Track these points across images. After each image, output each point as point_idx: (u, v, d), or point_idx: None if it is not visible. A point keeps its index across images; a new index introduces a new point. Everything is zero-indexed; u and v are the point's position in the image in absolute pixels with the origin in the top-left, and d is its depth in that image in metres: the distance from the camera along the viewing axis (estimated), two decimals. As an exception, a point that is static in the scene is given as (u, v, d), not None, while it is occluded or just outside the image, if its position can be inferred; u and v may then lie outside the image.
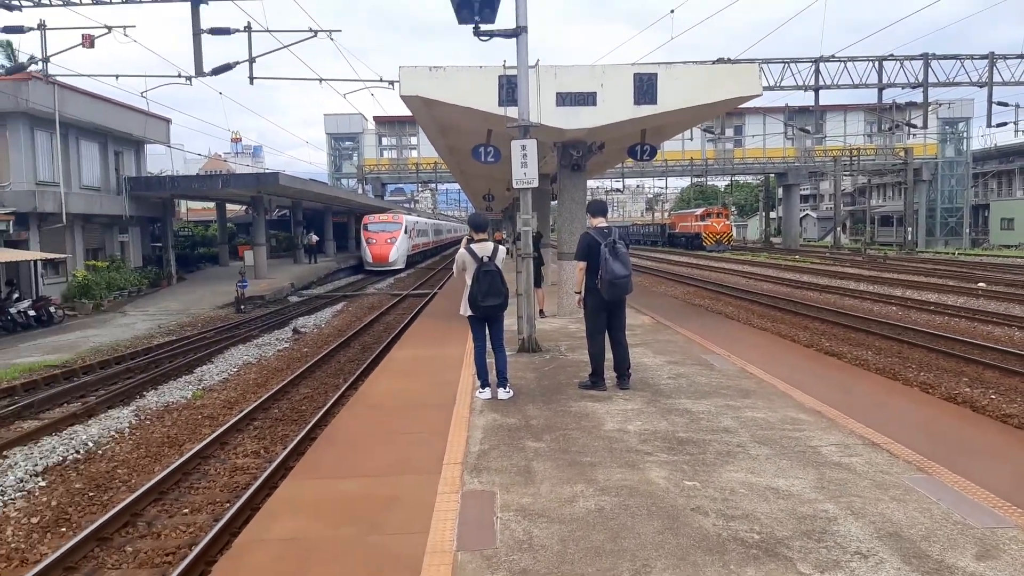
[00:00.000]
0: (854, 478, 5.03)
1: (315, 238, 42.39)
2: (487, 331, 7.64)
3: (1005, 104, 32.02)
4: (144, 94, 22.86)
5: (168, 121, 31.67)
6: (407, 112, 14.62)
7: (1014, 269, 30.32)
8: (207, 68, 19.24)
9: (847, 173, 61.45)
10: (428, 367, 9.75)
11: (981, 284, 24.14)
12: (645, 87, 12.50)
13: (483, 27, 9.66)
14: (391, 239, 39.53)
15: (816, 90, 31.79)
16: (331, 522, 4.62)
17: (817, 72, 31.68)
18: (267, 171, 40.51)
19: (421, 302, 23.23)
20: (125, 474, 8.26)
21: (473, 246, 7.45)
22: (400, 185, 78.47)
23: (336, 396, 10.96)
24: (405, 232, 41.02)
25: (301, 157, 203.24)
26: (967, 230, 59.48)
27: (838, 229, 60.36)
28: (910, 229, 53.14)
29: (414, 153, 63.70)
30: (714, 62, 26.42)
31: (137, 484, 7.80)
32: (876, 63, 31.76)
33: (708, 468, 5.28)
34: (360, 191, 59.87)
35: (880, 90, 32.12)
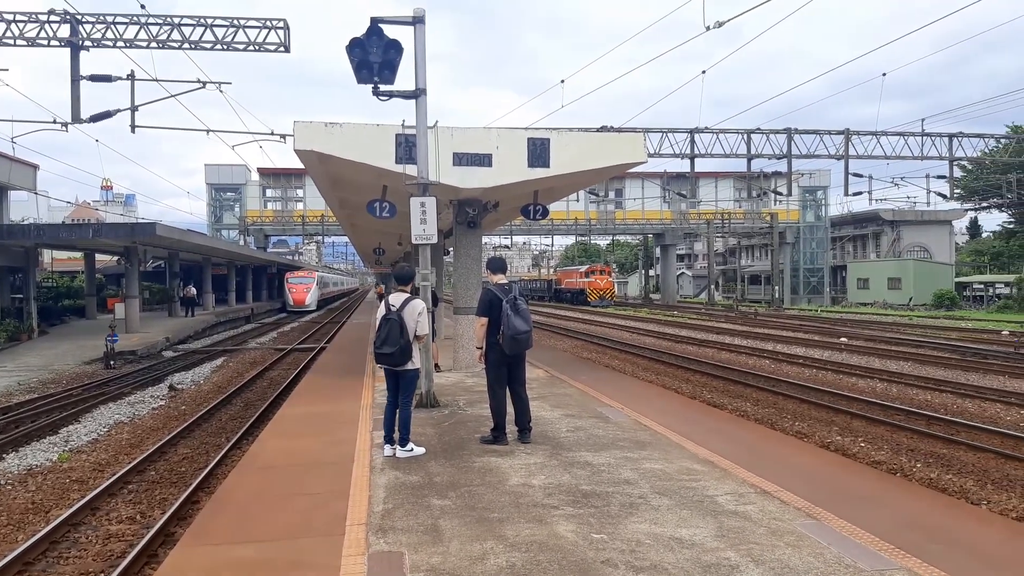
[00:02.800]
0: (751, 526, 5.24)
1: (193, 290, 40.67)
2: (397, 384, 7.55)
3: (859, 175, 35.10)
4: (14, 139, 21.51)
5: (35, 167, 29.84)
6: (294, 164, 14.51)
7: (871, 325, 32.79)
8: (85, 115, 18.39)
9: (719, 235, 65.08)
10: (321, 424, 9.45)
11: (843, 339, 25.94)
12: (539, 151, 12.93)
13: (382, 87, 9.76)
14: (307, 288, 51.84)
15: (692, 158, 33.79)
16: (230, 591, 4.37)
17: (692, 142, 33.71)
18: (143, 221, 38.74)
19: (307, 357, 22.58)
20: (-17, 546, 7.50)
21: (390, 296, 7.47)
22: (283, 237, 76.78)
23: (220, 456, 10.41)
24: (317, 284, 53.75)
25: (179, 206, 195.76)
26: (827, 289, 64.05)
27: (712, 287, 63.48)
28: (777, 287, 56.65)
29: (299, 205, 62.66)
30: (598, 129, 27.64)
31: (-2, 556, 7.10)
32: (745, 135, 34.12)
33: (614, 520, 5.37)
34: (242, 243, 58.09)
35: (749, 160, 34.48)
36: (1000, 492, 8.29)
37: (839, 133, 34.26)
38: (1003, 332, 28.53)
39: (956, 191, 36.31)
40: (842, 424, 11.98)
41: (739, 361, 20.49)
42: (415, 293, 7.84)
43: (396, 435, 7.46)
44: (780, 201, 54.68)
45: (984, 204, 48.98)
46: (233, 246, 51.06)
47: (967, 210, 64.86)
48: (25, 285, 29.84)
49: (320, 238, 75.07)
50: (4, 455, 11.03)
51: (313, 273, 57.15)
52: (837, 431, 11.51)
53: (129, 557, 6.65)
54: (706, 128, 34.17)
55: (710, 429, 8.95)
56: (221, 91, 20.56)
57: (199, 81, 19.64)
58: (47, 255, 47.57)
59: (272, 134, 23.05)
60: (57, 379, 19.00)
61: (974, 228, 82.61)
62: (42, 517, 8.33)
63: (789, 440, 9.71)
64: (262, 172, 61.85)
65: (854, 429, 11.62)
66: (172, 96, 20.10)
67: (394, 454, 7.36)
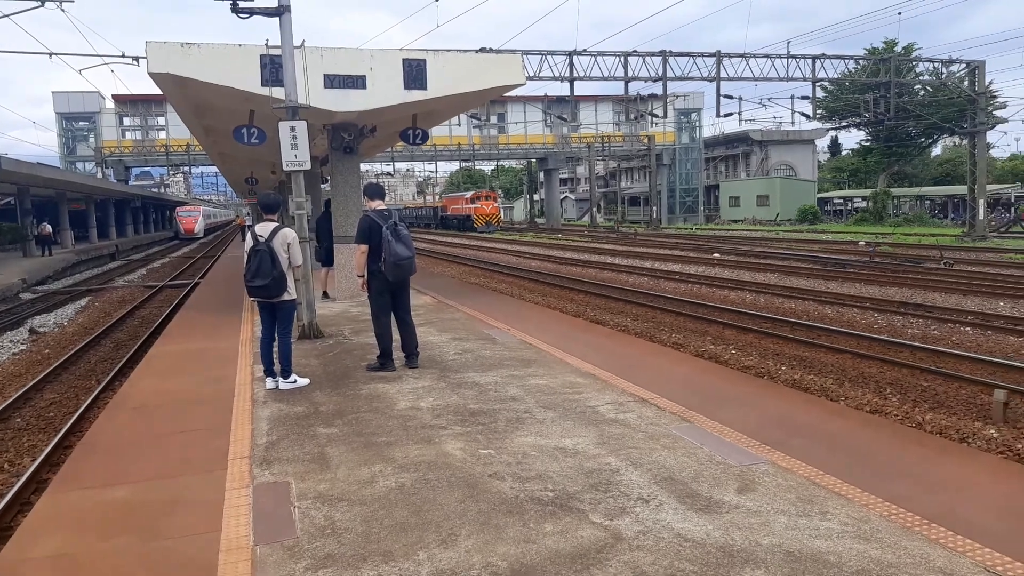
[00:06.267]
0: (630, 432, 5.48)
1: (48, 228, 37.85)
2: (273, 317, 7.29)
3: (730, 97, 36.10)
4: None
5: None
6: (153, 90, 13.46)
7: (742, 240, 34.55)
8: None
9: (600, 158, 66.10)
10: (198, 361, 9.09)
11: (716, 254, 27.21)
12: (415, 72, 12.53)
13: (242, 4, 9.13)
14: (195, 220, 63.37)
15: (571, 81, 33.66)
16: (104, 533, 4.18)
17: (571, 65, 33.53)
18: (-17, 153, 35.29)
19: (180, 294, 21.56)
20: None
21: (256, 226, 7.13)
22: (147, 168, 72.07)
23: (90, 399, 9.89)
24: (203, 216, 66.06)
25: (26, 138, 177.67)
26: (702, 208, 66.62)
27: (594, 209, 64.79)
28: (654, 208, 58.46)
29: (162, 134, 58.74)
30: (477, 51, 27.04)
31: None
32: (622, 58, 34.25)
33: (500, 435, 5.47)
34: (100, 175, 54.15)
35: (626, 83, 34.73)
36: (856, 388, 9.03)
37: (711, 55, 34.96)
38: (860, 243, 30.74)
39: (818, 111, 37.99)
40: (715, 334, 12.64)
41: (620, 279, 21.13)
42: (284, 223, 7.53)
43: (277, 367, 7.27)
44: (656, 123, 55.74)
45: (843, 123, 51.71)
46: (90, 179, 47.58)
47: (828, 129, 68.40)
48: None
49: (187, 168, 71.59)
50: None
51: (199, 207, 70.23)
52: (711, 340, 12.14)
53: (-3, 508, 6.26)
54: (584, 50, 34.03)
55: (592, 345, 9.22)
56: (63, 10, 18.63)
57: (37, -2, 17.72)
58: None
59: (123, 56, 21.23)
60: None
61: (835, 146, 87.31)
62: None
63: (667, 351, 10.16)
64: (117, 99, 57.30)
65: (726, 338, 12.29)
66: (6, 16, 18.09)
67: (276, 386, 7.19)
